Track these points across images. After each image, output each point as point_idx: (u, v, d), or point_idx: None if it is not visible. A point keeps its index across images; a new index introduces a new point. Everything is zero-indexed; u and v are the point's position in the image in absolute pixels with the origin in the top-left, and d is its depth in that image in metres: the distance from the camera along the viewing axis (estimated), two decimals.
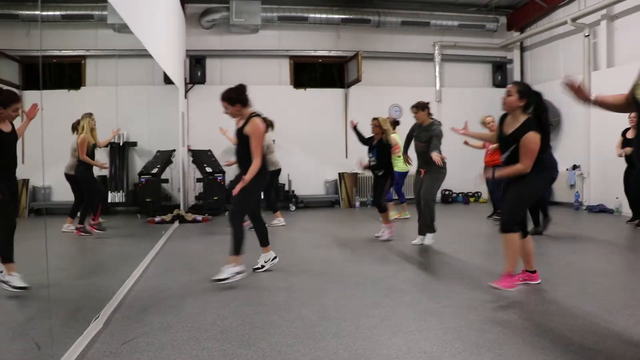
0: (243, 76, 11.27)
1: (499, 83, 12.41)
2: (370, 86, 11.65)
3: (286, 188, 11.21)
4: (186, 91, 11.09)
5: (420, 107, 6.11)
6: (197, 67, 11.06)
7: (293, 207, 10.81)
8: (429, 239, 6.27)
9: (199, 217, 9.10)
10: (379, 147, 6.72)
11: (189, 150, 10.66)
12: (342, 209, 11.16)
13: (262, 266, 5.15)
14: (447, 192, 11.98)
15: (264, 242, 5.08)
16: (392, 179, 6.78)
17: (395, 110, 11.70)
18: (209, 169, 10.00)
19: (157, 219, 8.53)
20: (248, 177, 4.27)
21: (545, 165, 4.08)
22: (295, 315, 3.92)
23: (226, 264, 4.72)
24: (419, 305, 4.15)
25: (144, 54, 6.21)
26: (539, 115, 4.05)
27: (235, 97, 4.58)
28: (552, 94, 10.82)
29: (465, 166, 10.96)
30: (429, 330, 3.60)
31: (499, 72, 12.44)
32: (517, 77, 12.47)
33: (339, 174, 11.54)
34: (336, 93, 11.96)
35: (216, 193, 9.92)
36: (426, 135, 5.98)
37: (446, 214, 9.37)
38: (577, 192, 9.83)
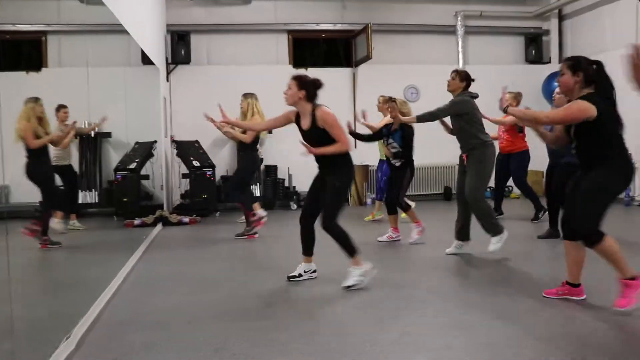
0: (234, 55, 11.55)
1: (532, 59, 12.44)
2: (382, 64, 11.70)
3: (286, 184, 11.37)
4: (168, 73, 11.15)
5: (461, 76, 5.86)
6: (180, 45, 11.13)
7: (294, 206, 10.93)
8: (493, 244, 5.87)
9: (186, 219, 9.22)
10: (401, 132, 6.81)
11: (173, 141, 10.76)
12: (351, 207, 11.28)
13: (300, 275, 5.28)
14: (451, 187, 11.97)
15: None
16: (413, 172, 6.86)
17: (412, 92, 11.87)
18: (196, 163, 10.10)
19: (137, 221, 8.52)
20: (330, 149, 4.49)
21: (618, 153, 3.97)
22: (303, 331, 3.91)
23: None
24: (444, 317, 4.13)
25: (117, 30, 6.15)
26: (605, 90, 4.00)
27: (308, 85, 4.70)
28: None
29: None
30: (458, 346, 3.56)
31: (533, 45, 12.45)
32: (554, 51, 12.53)
33: None
34: (342, 73, 12.02)
35: (205, 190, 10.01)
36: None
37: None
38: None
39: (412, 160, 6.87)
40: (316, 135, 4.68)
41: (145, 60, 8.80)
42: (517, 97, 8.30)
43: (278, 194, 11.16)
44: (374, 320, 4.12)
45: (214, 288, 5.10)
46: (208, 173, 10.09)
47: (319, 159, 4.79)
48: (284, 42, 11.74)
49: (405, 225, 7.50)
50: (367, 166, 11.65)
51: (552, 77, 11.47)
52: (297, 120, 4.81)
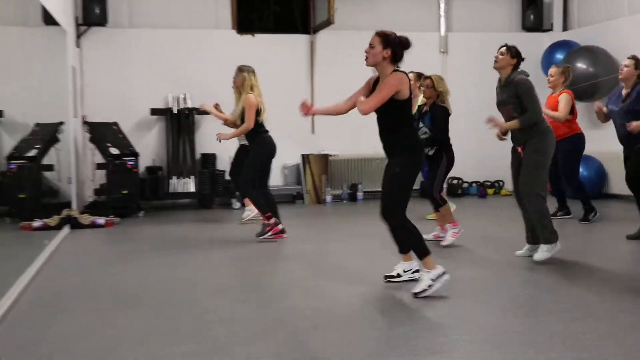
0: (163, 16, 11.55)
1: (531, 25, 12.48)
2: (346, 31, 11.62)
3: (226, 177, 11.19)
4: (78, 36, 11.02)
5: (512, 52, 6.09)
6: (93, 2, 10.93)
7: (237, 204, 11.00)
8: (543, 251, 6.15)
9: (100, 220, 9.21)
10: (433, 113, 7.07)
11: (85, 122, 10.70)
12: (308, 205, 11.48)
13: (399, 275, 5.49)
14: (455, 182, 12.24)
15: None
16: (451, 159, 7.11)
17: None
18: (114, 151, 10.09)
19: (37, 223, 8.40)
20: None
21: None
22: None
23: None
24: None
25: None
26: None
27: (395, 43, 4.86)
28: (606, 41, 10.86)
29: (480, 146, 11.06)
30: None
31: (532, 9, 12.49)
32: (557, 16, 12.58)
33: (303, 156, 11.71)
34: (298, 41, 12.05)
35: (126, 185, 10.02)
36: (507, 93, 6.11)
37: (467, 212, 9.33)
38: None
39: (450, 145, 7.10)
40: (388, 105, 4.87)
41: (48, 19, 8.62)
42: (565, 73, 8.35)
43: (217, 189, 11.14)
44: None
45: (135, 304, 5.06)
46: (129, 163, 10.09)
47: (384, 138, 5.01)
48: (226, 3, 11.72)
49: (427, 224, 7.71)
50: (326, 156, 11.75)
51: (555, 48, 11.62)
52: (375, 84, 5.00)
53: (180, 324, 4.48)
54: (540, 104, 6.01)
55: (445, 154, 7.08)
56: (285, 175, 11.92)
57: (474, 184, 12.42)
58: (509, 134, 6.33)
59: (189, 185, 11.01)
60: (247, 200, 8.87)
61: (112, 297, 5.30)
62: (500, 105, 6.24)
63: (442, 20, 12.36)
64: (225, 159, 11.02)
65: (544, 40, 12.34)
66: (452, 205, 7.83)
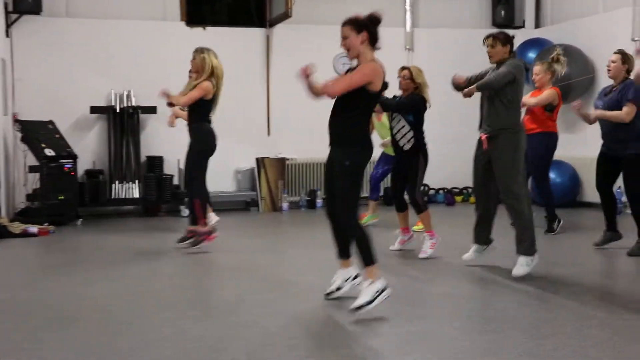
0: (106, 5, 11.27)
1: (502, 21, 12.54)
2: (305, 25, 11.69)
3: (175, 182, 11.22)
4: (8, 25, 10.82)
5: (502, 40, 6.16)
6: None
7: (186, 212, 10.64)
8: (522, 265, 6.10)
9: (33, 229, 9.04)
10: (411, 100, 7.09)
11: (16, 121, 10.51)
12: (263, 213, 11.37)
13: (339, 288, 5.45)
14: (422, 188, 11.93)
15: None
16: (426, 158, 7.13)
17: (344, 63, 11.19)
18: (49, 152, 9.92)
19: None
20: None
21: None
22: None
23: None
24: None
25: None
26: None
27: (366, 23, 4.85)
28: (583, 38, 10.99)
29: (448, 151, 11.13)
30: None
31: (503, 5, 12.65)
32: (529, 11, 12.73)
33: (258, 160, 11.64)
34: (253, 35, 12.00)
35: (62, 189, 9.87)
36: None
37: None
38: (619, 187, 9.87)
39: (425, 143, 7.12)
40: (356, 93, 4.87)
41: None
42: (550, 68, 8.27)
43: (164, 195, 10.94)
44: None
45: (70, 323, 4.95)
46: (67, 166, 9.96)
47: (336, 124, 5.00)
48: None
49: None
50: (283, 159, 11.67)
51: (527, 46, 11.69)
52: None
53: (120, 343, 4.40)
54: (500, 84, 5.95)
55: (421, 151, 7.07)
56: (238, 181, 11.79)
57: (440, 191, 12.40)
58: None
59: (133, 190, 10.85)
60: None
61: (44, 315, 5.14)
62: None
63: (408, 15, 12.36)
64: (172, 161, 11.03)
65: (516, 37, 12.17)
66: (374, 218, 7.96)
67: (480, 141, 6.25)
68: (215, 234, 7.73)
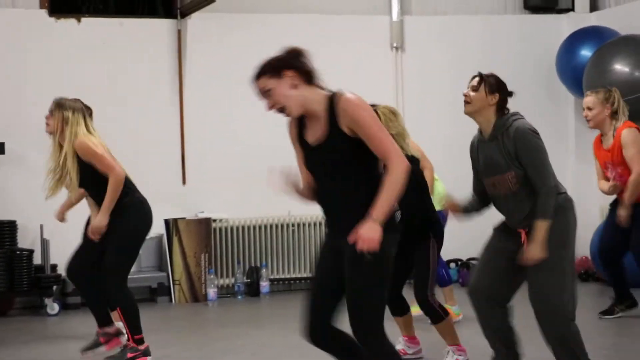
0: None
1: (538, 3, 11.18)
2: (237, 14, 10.36)
3: (38, 261, 9.69)
4: None
5: (487, 84, 5.49)
6: None
7: (55, 307, 9.28)
8: None
9: None
10: None
11: None
12: (177, 306, 9.81)
13: None
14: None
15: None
16: (440, 238, 6.66)
17: None
18: None
19: None
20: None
21: None
22: None
23: None
24: None
25: None
26: None
27: (288, 61, 4.34)
28: None
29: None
30: None
31: None
32: None
33: (168, 222, 10.19)
34: (157, 28, 10.57)
35: None
36: (500, 153, 5.45)
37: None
38: None
39: (436, 220, 6.70)
40: (335, 152, 4.32)
41: None
42: (609, 99, 7.52)
43: (19, 280, 9.41)
44: None
45: None
46: None
47: (331, 206, 4.49)
48: None
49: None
50: (207, 220, 10.02)
51: (579, 38, 10.32)
52: (301, 136, 4.46)
53: None
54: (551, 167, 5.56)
55: (431, 231, 6.42)
56: (139, 256, 9.48)
57: (452, 264, 10.45)
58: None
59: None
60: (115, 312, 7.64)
61: None
62: (488, 174, 5.50)
63: None
64: (32, 229, 9.58)
65: (561, 26, 10.97)
66: (458, 313, 7.57)
67: (504, 229, 5.65)
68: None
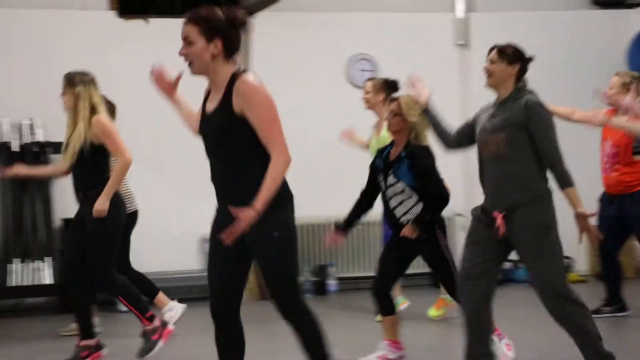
0: None
1: None
2: (302, 13, 10.58)
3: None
4: None
5: (509, 55, 5.64)
6: None
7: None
8: None
9: None
10: (410, 160, 6.63)
11: None
12: (245, 304, 10.26)
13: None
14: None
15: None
16: (444, 230, 6.70)
17: (362, 66, 11.04)
18: None
19: None
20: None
21: None
22: None
23: None
24: None
25: None
26: None
27: (218, 23, 4.36)
28: None
29: None
30: None
31: None
32: None
33: None
34: None
35: None
36: (505, 114, 5.57)
37: None
38: None
39: (442, 219, 6.75)
40: (220, 125, 4.36)
41: None
42: (631, 83, 7.74)
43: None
44: None
45: None
46: None
47: (216, 184, 4.52)
48: None
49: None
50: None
51: None
52: (205, 102, 4.59)
53: None
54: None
55: (436, 224, 6.50)
56: (204, 253, 10.06)
57: (519, 264, 10.20)
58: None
59: (42, 273, 9.18)
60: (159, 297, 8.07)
61: None
62: (485, 133, 5.67)
63: None
64: None
65: (631, 20, 11.02)
66: (403, 301, 7.92)
67: (483, 213, 5.73)
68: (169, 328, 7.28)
